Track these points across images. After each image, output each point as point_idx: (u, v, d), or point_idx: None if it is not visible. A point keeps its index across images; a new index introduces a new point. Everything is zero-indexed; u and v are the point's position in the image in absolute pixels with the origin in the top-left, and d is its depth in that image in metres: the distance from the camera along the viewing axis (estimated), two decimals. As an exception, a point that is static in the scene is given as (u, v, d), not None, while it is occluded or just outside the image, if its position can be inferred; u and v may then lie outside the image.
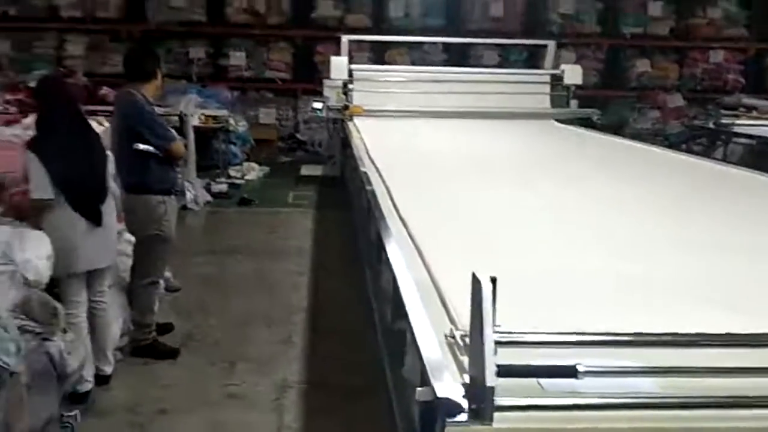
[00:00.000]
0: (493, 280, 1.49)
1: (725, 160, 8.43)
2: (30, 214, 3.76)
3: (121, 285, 4.44)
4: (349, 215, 6.84)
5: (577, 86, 9.09)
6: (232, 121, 9.80)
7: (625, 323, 1.74)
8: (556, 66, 9.46)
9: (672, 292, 2.37)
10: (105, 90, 8.98)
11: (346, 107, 8.52)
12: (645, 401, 1.54)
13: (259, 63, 12.29)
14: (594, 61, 12.54)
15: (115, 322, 4.20)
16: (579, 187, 4.37)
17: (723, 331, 1.68)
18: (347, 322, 4.87)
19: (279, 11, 12.21)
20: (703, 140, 10.79)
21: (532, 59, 11.49)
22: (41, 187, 3.60)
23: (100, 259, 3.86)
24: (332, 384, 4.13)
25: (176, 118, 8.04)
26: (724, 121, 9.74)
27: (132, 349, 4.38)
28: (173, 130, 4.63)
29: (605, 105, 11.26)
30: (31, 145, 3.68)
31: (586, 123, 8.66)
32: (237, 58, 12.16)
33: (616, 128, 10.41)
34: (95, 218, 3.75)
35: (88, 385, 3.76)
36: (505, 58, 12.17)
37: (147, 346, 4.38)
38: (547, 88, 9.14)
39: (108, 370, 4.01)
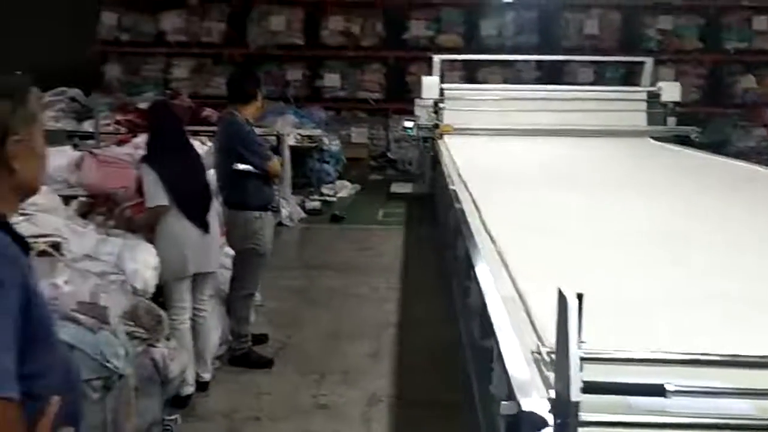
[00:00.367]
0: (579, 297, 1.50)
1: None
2: (145, 223, 4.05)
3: (221, 296, 4.66)
4: (438, 232, 6.88)
5: (677, 103, 8.84)
6: (325, 141, 10.07)
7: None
8: (653, 83, 9.23)
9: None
10: (208, 111, 9.39)
11: (436, 126, 8.61)
12: (736, 422, 1.51)
13: (352, 84, 12.58)
14: (695, 77, 12.13)
15: (215, 330, 4.41)
16: (669, 204, 4.27)
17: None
18: (435, 337, 4.90)
19: (373, 33, 12.48)
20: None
21: (630, 77, 11.25)
22: (157, 195, 3.91)
23: (207, 264, 4.14)
24: (420, 398, 4.18)
25: (274, 137, 8.35)
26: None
27: (229, 358, 4.58)
28: (270, 150, 4.86)
29: (707, 123, 10.86)
30: (146, 159, 3.98)
31: (684, 141, 8.39)
32: (331, 79, 12.51)
33: (717, 146, 10.01)
34: (204, 225, 4.02)
35: (190, 389, 3.97)
36: (601, 76, 11.95)
37: (243, 355, 4.57)
38: (643, 106, 8.94)
39: (207, 376, 4.21)
